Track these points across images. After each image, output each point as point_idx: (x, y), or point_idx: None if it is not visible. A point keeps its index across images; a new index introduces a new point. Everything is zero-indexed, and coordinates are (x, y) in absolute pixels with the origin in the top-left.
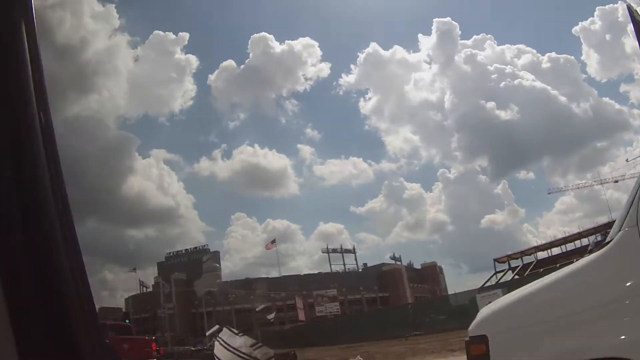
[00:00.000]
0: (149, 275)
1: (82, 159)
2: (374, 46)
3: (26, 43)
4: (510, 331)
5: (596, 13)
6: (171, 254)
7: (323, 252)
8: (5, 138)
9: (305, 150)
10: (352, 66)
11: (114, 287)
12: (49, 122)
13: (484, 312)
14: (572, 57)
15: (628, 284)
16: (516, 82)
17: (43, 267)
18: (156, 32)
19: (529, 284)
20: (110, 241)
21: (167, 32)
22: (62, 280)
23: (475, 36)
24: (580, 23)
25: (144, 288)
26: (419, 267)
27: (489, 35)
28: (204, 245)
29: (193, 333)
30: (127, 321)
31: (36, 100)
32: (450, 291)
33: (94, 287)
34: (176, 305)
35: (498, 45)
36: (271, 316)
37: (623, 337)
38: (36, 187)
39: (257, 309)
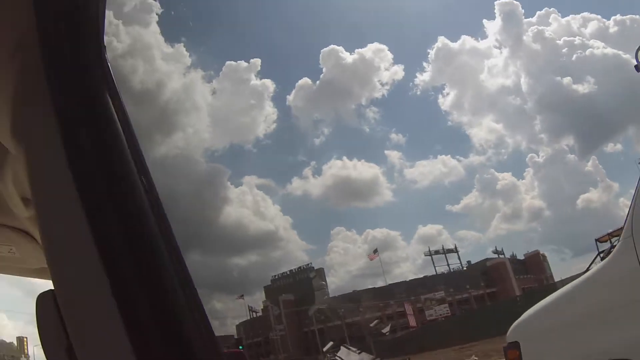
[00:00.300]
0: (257, 300)
1: (176, 196)
2: (442, 40)
3: (110, 101)
4: (537, 338)
5: None
6: (276, 277)
7: (426, 255)
8: (117, 202)
9: (393, 155)
10: (424, 64)
11: (224, 315)
12: (152, 186)
13: (520, 319)
14: (638, 17)
15: (626, 293)
16: (587, 52)
17: (161, 304)
18: (228, 62)
19: (558, 291)
20: (215, 272)
21: (239, 61)
22: (180, 313)
23: (538, 12)
24: None
25: (254, 313)
26: (522, 257)
27: (552, 9)
28: (308, 264)
29: (307, 352)
30: (240, 347)
31: (136, 166)
32: (557, 278)
33: None
34: (287, 326)
35: (562, 17)
36: (386, 329)
37: (625, 340)
38: (148, 237)
39: (371, 325)
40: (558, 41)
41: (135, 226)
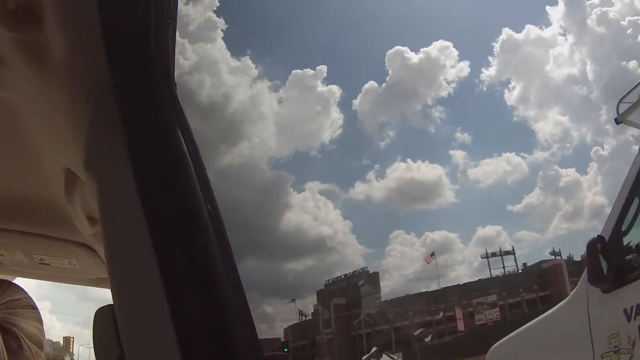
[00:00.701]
0: (309, 304)
1: (239, 204)
2: (506, 32)
3: (180, 135)
4: None
5: None
6: (330, 281)
7: (482, 258)
8: (177, 233)
9: (458, 155)
10: (489, 58)
11: (273, 319)
12: (217, 210)
13: (499, 342)
14: None
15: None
16: None
17: (210, 304)
18: (294, 71)
19: (536, 319)
20: (269, 276)
21: (305, 69)
22: (228, 315)
23: None
24: None
25: (303, 317)
26: (579, 259)
27: None
28: (364, 268)
29: (353, 356)
30: (285, 350)
31: (203, 192)
32: None
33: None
34: (335, 329)
35: None
36: (428, 339)
37: None
38: (207, 255)
39: (415, 333)
40: (622, 22)
41: (199, 256)
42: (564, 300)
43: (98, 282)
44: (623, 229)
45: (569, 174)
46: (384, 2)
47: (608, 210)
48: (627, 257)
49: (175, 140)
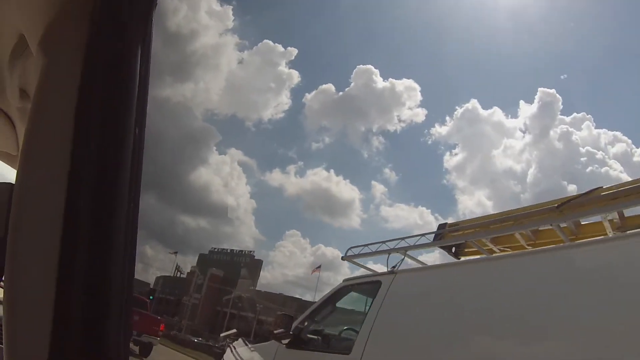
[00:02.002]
0: (187, 262)
1: (162, 138)
2: (474, 103)
3: (139, 60)
4: None
5: None
6: (215, 250)
7: None
8: (98, 138)
9: (378, 188)
10: (447, 118)
11: (150, 263)
12: (142, 137)
13: None
14: None
15: None
16: (603, 170)
17: (104, 226)
18: (266, 41)
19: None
20: (161, 220)
21: (277, 44)
22: (116, 244)
23: (575, 114)
24: None
25: (178, 273)
26: None
27: (589, 116)
28: (251, 251)
29: (210, 329)
30: (150, 297)
31: (136, 115)
32: None
33: None
34: (204, 297)
35: (596, 128)
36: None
37: None
38: (118, 178)
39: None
40: (581, 148)
41: (111, 174)
42: (269, 342)
43: (4, 157)
44: (315, 318)
45: None
46: (384, 18)
47: None
48: (307, 335)
49: (133, 50)
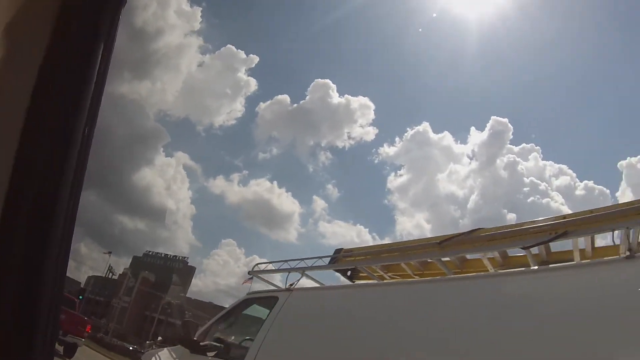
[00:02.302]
0: (121, 264)
1: (111, 134)
2: (426, 126)
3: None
4: None
5: None
6: (150, 253)
7: None
8: (46, 135)
9: (319, 203)
10: (397, 139)
11: (83, 261)
12: (91, 136)
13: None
14: (608, 191)
15: None
16: (544, 201)
17: (41, 215)
18: (230, 46)
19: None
20: (99, 218)
21: (239, 50)
22: (52, 237)
23: (524, 144)
24: (628, 158)
25: (111, 273)
26: None
27: (538, 147)
28: (185, 257)
29: (137, 333)
30: (80, 297)
31: (88, 114)
32: None
33: None
34: (133, 301)
35: (542, 159)
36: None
37: None
38: (63, 166)
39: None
40: (525, 179)
41: (55, 164)
42: (176, 347)
43: None
44: (219, 327)
45: None
46: (348, 35)
47: None
48: (211, 342)
49: (96, 47)
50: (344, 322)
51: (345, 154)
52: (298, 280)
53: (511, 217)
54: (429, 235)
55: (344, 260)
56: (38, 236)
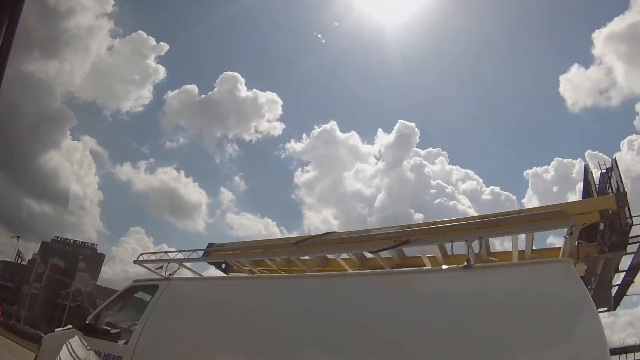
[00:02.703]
0: (29, 249)
1: (16, 112)
2: (332, 124)
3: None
4: None
5: (553, 163)
6: (59, 239)
7: None
8: None
9: (226, 195)
10: (304, 135)
11: None
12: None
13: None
14: (514, 197)
15: None
16: (451, 203)
17: None
18: (140, 32)
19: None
20: (6, 200)
21: (150, 37)
22: None
23: (431, 148)
24: (534, 168)
25: (19, 259)
26: None
27: (445, 152)
28: (94, 244)
29: (49, 320)
30: None
31: None
32: None
33: None
34: (44, 287)
35: (449, 164)
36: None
37: None
38: None
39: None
40: (432, 181)
41: None
42: (71, 330)
43: None
44: (109, 311)
45: None
46: (260, 29)
47: None
48: (101, 325)
49: (2, 12)
50: (216, 310)
51: (253, 147)
52: (175, 270)
53: (418, 217)
54: (336, 230)
55: (215, 254)
56: None
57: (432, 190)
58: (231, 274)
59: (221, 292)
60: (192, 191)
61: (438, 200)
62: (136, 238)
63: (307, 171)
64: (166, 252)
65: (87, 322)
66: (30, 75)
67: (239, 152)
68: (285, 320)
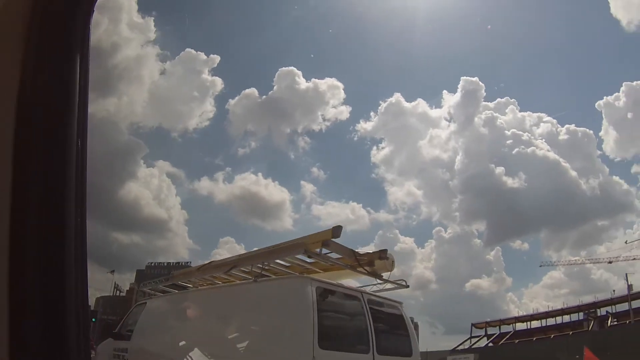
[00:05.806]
0: (126, 280)
1: (89, 156)
2: (397, 97)
3: (78, 66)
4: None
5: (622, 89)
6: (152, 264)
7: None
8: (41, 149)
9: (308, 187)
10: (372, 113)
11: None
12: (85, 149)
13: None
14: (591, 132)
15: None
16: (530, 150)
17: (51, 266)
18: (188, 50)
19: None
20: (94, 240)
21: (199, 52)
22: (68, 270)
23: (499, 99)
24: (605, 97)
25: (118, 292)
26: None
27: (513, 100)
28: (187, 262)
29: None
30: (93, 320)
31: (77, 127)
32: (422, 349)
33: None
34: None
35: (520, 111)
36: None
37: None
38: (62, 196)
39: None
40: (507, 131)
41: (56, 180)
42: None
43: None
44: (128, 322)
45: (406, 242)
46: (302, 21)
47: (433, 286)
48: (123, 332)
49: (73, 55)
50: (167, 315)
51: (324, 135)
52: (155, 291)
53: (499, 171)
54: (423, 201)
55: (173, 277)
56: (53, 258)
57: (508, 141)
58: (185, 290)
59: (173, 303)
60: (273, 191)
61: (516, 149)
62: (227, 248)
63: (382, 148)
64: (155, 280)
65: (114, 331)
66: (92, 117)
67: (311, 143)
68: (182, 322)
